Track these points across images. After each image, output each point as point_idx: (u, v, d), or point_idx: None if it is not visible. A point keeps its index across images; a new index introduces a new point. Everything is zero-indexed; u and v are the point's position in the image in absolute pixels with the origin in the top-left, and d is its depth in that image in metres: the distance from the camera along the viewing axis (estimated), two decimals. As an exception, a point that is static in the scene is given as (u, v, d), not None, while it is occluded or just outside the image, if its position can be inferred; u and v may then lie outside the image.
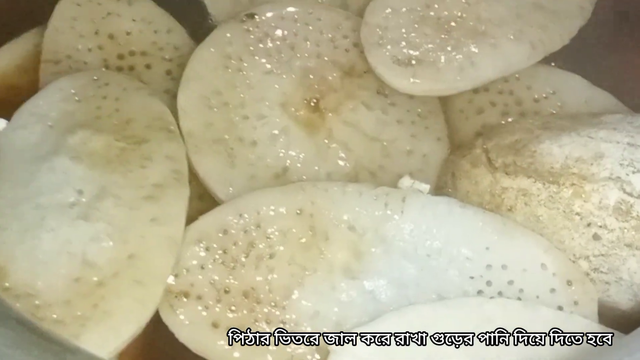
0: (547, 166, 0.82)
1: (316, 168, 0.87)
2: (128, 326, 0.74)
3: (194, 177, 0.85)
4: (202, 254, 0.79)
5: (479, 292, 0.78)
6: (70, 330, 0.72)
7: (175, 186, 0.82)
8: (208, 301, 0.77)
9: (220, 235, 0.79)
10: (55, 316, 0.73)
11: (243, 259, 0.79)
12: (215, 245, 0.79)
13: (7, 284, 0.75)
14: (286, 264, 0.78)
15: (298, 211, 0.80)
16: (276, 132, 0.88)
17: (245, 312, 0.77)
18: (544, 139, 0.84)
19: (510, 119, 0.92)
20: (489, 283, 0.78)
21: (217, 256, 0.79)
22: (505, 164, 0.84)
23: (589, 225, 0.79)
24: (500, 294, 0.78)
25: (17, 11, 0.98)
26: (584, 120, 0.86)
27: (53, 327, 0.71)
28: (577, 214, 0.80)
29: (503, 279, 0.78)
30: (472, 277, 0.78)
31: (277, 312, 0.77)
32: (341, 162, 0.88)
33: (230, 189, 0.85)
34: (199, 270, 0.78)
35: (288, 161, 0.87)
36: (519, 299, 0.77)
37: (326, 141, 0.88)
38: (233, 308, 0.77)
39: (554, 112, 0.92)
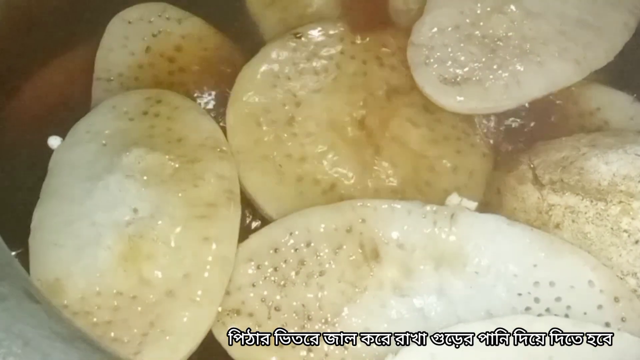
0: (594, 183, 0.82)
1: (363, 184, 0.88)
2: (184, 345, 0.76)
3: (243, 193, 0.86)
4: (253, 272, 0.80)
5: (527, 309, 0.78)
6: (128, 349, 0.74)
7: (227, 205, 0.83)
8: (259, 318, 0.78)
9: (271, 253, 0.81)
10: (112, 334, 0.75)
11: (293, 277, 0.80)
12: (266, 263, 0.80)
13: (65, 302, 0.77)
14: (336, 282, 0.79)
15: (348, 229, 0.81)
16: (324, 149, 0.89)
17: (296, 328, 0.78)
18: (591, 157, 0.84)
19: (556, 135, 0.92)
20: (536, 300, 0.78)
21: (267, 274, 0.80)
22: (553, 181, 0.84)
23: (636, 242, 0.80)
24: (548, 310, 0.78)
25: (68, 27, 1.00)
26: (630, 138, 0.86)
27: (111, 345, 0.73)
28: (625, 231, 0.80)
29: (551, 296, 0.79)
30: (519, 294, 0.79)
31: (328, 329, 0.78)
32: (388, 179, 0.88)
33: (279, 205, 0.86)
34: (250, 288, 0.79)
35: (336, 177, 0.88)
36: (567, 315, 0.78)
37: (373, 158, 0.89)
38: (284, 325, 0.78)
39: (600, 129, 0.92)
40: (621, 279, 0.80)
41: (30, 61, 0.97)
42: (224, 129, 0.90)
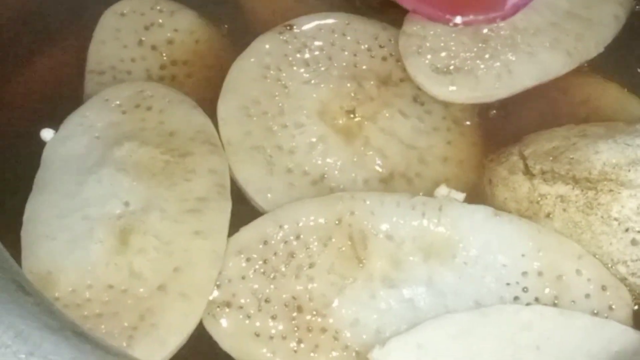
0: (584, 173, 0.83)
1: (353, 175, 0.88)
2: (174, 338, 0.76)
3: (233, 186, 0.87)
4: (243, 264, 0.80)
5: (516, 299, 0.79)
6: (118, 342, 0.74)
7: (218, 199, 0.83)
8: (250, 310, 0.79)
9: (261, 246, 0.81)
10: (103, 327, 0.76)
11: (283, 269, 0.80)
12: (255, 256, 0.81)
13: (56, 294, 0.78)
14: (326, 273, 0.80)
15: (337, 221, 0.82)
16: (314, 140, 0.89)
17: (286, 320, 0.78)
18: (581, 146, 0.85)
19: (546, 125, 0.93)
20: (525, 289, 0.79)
21: (257, 266, 0.80)
22: (543, 171, 0.85)
23: (627, 230, 0.80)
24: (536, 299, 0.79)
25: (61, 18, 1.00)
26: (619, 128, 0.87)
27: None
28: (615, 219, 0.80)
29: (539, 285, 0.79)
30: (508, 284, 0.79)
31: (319, 320, 0.78)
32: (378, 169, 0.89)
33: (269, 195, 0.86)
34: (241, 281, 0.80)
35: (326, 168, 0.88)
36: (555, 304, 0.78)
37: (363, 149, 0.89)
38: (274, 317, 0.78)
39: (590, 119, 0.92)
40: (611, 267, 0.81)
41: (23, 52, 0.98)
42: (215, 122, 0.90)
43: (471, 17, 0.94)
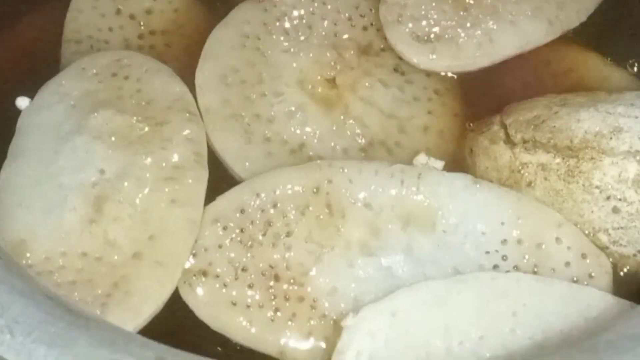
0: (566, 141, 0.82)
1: (332, 144, 0.88)
2: (148, 306, 0.76)
3: (211, 155, 0.86)
4: (220, 233, 0.80)
5: (495, 267, 0.79)
6: (92, 310, 0.74)
7: (194, 168, 0.83)
8: (226, 279, 0.78)
9: (238, 214, 0.81)
10: (76, 294, 0.75)
11: (260, 238, 0.80)
12: (232, 225, 0.80)
13: (29, 261, 0.77)
14: (303, 242, 0.79)
15: (314, 190, 0.81)
16: (293, 108, 0.89)
17: (263, 289, 0.78)
18: (563, 115, 0.84)
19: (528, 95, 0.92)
20: (504, 257, 0.79)
21: (234, 235, 0.80)
22: (524, 140, 0.84)
23: (608, 198, 0.80)
24: (516, 268, 0.79)
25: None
26: (601, 97, 0.86)
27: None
28: (597, 187, 0.80)
29: (518, 254, 0.79)
30: (487, 252, 0.79)
31: (296, 289, 0.78)
32: (357, 139, 0.88)
33: (247, 164, 0.86)
34: (217, 249, 0.79)
35: (304, 137, 0.88)
36: (535, 272, 0.78)
37: (342, 118, 0.89)
38: (251, 285, 0.78)
39: (572, 89, 0.92)
40: (593, 235, 0.81)
41: (-1, 20, 0.97)
42: (193, 91, 0.89)
43: None
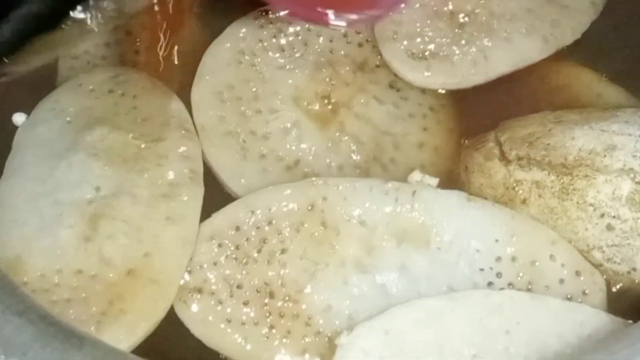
0: (560, 159, 0.82)
1: (327, 161, 0.88)
2: (143, 324, 0.76)
3: (206, 171, 0.86)
4: (215, 250, 0.80)
5: (489, 284, 0.78)
6: (86, 328, 0.73)
7: (190, 185, 0.83)
8: (221, 296, 0.78)
9: (233, 232, 0.81)
10: (71, 312, 0.75)
11: (255, 255, 0.80)
12: (227, 242, 0.80)
13: (25, 279, 0.77)
14: (298, 259, 0.79)
15: (309, 207, 0.81)
16: (288, 125, 0.89)
17: (258, 306, 0.78)
18: (557, 132, 0.85)
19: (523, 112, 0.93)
20: (499, 275, 0.79)
21: (229, 252, 0.80)
22: (519, 157, 0.84)
23: (602, 215, 0.80)
24: (510, 285, 0.79)
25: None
26: (595, 114, 0.87)
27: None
28: (591, 204, 0.80)
29: (513, 271, 0.79)
30: (482, 270, 0.79)
31: (291, 306, 0.78)
32: (353, 155, 0.88)
33: (242, 180, 0.86)
34: (212, 267, 0.79)
35: (300, 154, 0.88)
36: (529, 290, 0.78)
37: (338, 134, 0.89)
38: (246, 303, 0.78)
39: (567, 106, 0.92)
40: (587, 252, 0.80)
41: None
42: (189, 108, 0.90)
43: (347, 15, 0.94)
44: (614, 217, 0.80)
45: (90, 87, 0.90)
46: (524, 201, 0.83)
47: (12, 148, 0.87)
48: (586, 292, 0.79)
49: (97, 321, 0.75)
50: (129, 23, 0.99)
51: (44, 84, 0.93)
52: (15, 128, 0.88)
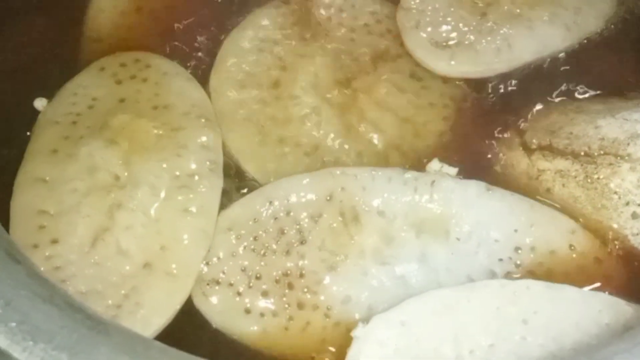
0: (583, 147, 0.83)
1: (346, 147, 0.88)
2: (157, 318, 0.75)
3: (225, 158, 0.86)
4: (233, 241, 0.80)
5: (508, 274, 0.79)
6: (102, 319, 0.74)
7: (209, 176, 0.82)
8: (239, 287, 0.78)
9: (251, 222, 0.81)
10: (87, 305, 0.75)
11: (274, 246, 0.80)
12: (245, 233, 0.80)
13: (41, 269, 0.75)
14: (317, 250, 0.79)
15: (328, 197, 0.81)
16: (308, 111, 0.89)
17: (277, 297, 0.78)
18: (579, 122, 0.85)
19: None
20: (517, 265, 0.79)
21: (247, 243, 0.80)
22: (542, 146, 0.85)
23: (627, 204, 0.80)
24: (529, 274, 0.78)
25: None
26: (618, 104, 0.86)
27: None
28: (615, 193, 0.81)
29: (532, 261, 0.79)
30: (501, 260, 0.79)
31: (309, 297, 0.78)
32: (372, 142, 0.88)
33: (261, 165, 0.86)
34: (231, 258, 0.79)
35: (319, 140, 0.88)
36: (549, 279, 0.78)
37: (357, 122, 0.89)
38: (265, 294, 0.78)
39: (587, 95, 0.91)
40: (612, 241, 0.80)
41: (18, 15, 0.96)
42: (208, 94, 0.90)
43: None
44: (638, 205, 0.80)
45: (113, 71, 0.90)
46: (547, 190, 0.83)
47: (33, 134, 0.86)
48: (605, 280, 0.79)
49: (112, 314, 0.74)
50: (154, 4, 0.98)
51: (65, 68, 0.92)
52: (36, 113, 0.88)
